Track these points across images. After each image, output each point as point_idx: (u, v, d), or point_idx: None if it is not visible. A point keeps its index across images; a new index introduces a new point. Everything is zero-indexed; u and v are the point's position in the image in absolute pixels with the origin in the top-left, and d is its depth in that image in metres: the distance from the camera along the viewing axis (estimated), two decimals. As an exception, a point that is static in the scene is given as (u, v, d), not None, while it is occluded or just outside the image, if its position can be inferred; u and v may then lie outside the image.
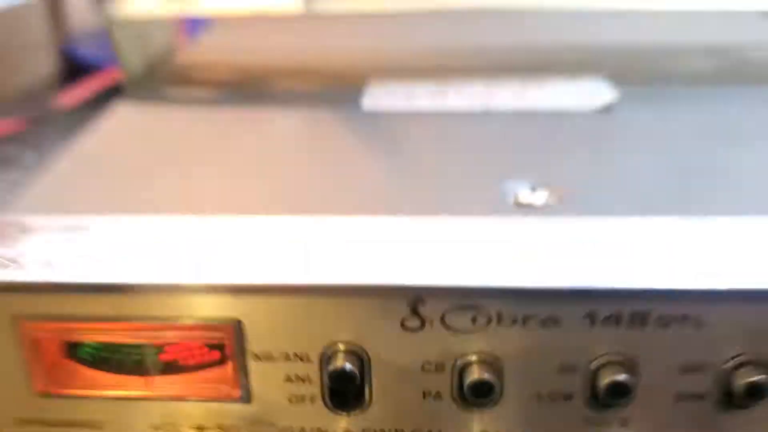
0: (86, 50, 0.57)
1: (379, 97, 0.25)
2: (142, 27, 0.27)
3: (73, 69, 0.56)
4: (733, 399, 0.16)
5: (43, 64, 0.65)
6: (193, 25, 0.32)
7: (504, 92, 0.25)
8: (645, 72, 0.27)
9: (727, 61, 0.29)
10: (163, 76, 0.28)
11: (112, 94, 0.47)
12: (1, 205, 0.38)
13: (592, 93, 0.24)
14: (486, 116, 0.23)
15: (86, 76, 0.54)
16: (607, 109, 0.24)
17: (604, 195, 0.18)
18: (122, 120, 0.24)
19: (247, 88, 0.27)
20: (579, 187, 0.19)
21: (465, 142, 0.22)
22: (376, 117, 0.24)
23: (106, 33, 0.60)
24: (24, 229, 0.18)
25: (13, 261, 0.16)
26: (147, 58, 0.27)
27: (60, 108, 0.46)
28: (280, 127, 0.23)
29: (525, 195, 0.18)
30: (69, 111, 0.47)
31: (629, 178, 0.19)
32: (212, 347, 0.16)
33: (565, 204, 0.18)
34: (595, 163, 0.20)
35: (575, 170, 0.20)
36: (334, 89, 0.26)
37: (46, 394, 0.17)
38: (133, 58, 0.26)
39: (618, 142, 0.22)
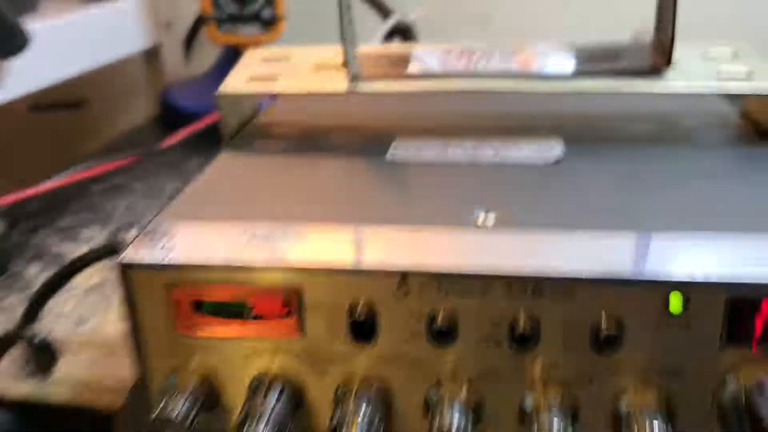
0: (178, 96, 0.69)
1: (399, 151, 0.35)
2: (236, 99, 0.38)
3: (168, 112, 0.69)
4: (600, 346, 0.26)
5: (143, 107, 0.78)
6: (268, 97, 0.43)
7: (487, 148, 0.35)
8: (592, 134, 0.37)
9: (660, 126, 0.38)
10: (248, 132, 0.39)
11: (201, 136, 0.59)
12: (122, 220, 0.50)
13: (548, 150, 0.35)
14: (471, 166, 0.34)
15: (178, 117, 0.66)
16: (556, 162, 0.34)
17: (534, 219, 0.28)
18: (224, 163, 0.35)
19: (306, 141, 0.38)
20: (520, 213, 0.29)
21: (452, 184, 0.32)
22: (394, 165, 0.34)
23: (195, 82, 0.72)
24: (171, 232, 0.29)
25: (167, 249, 0.27)
26: (238, 120, 0.39)
27: (160, 146, 0.58)
28: (328, 170, 0.34)
29: (481, 218, 0.28)
30: (167, 149, 0.59)
31: (555, 209, 0.29)
32: (284, 304, 0.27)
33: (506, 224, 0.28)
34: (536, 198, 0.30)
35: (521, 202, 0.30)
36: (368, 144, 0.37)
37: (184, 335, 0.28)
38: (230, 120, 0.38)
39: (558, 185, 0.32)
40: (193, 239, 0.28)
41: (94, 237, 0.48)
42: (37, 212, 0.51)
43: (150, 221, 0.29)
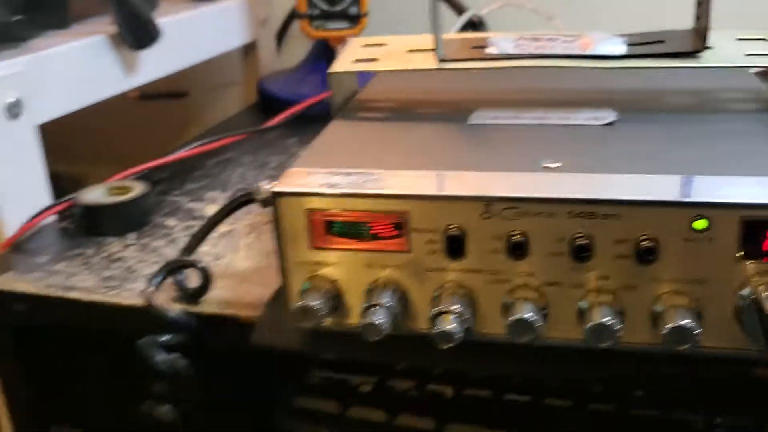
0: (275, 86, 0.78)
1: (479, 117, 0.43)
2: (343, 77, 0.47)
3: (266, 100, 0.78)
4: (642, 256, 0.33)
5: (238, 97, 0.87)
6: (366, 76, 0.52)
7: (553, 115, 0.43)
8: (640, 105, 0.44)
9: (699, 98, 0.45)
10: (352, 105, 0.48)
11: (296, 119, 0.68)
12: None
13: (603, 116, 0.42)
14: (539, 127, 0.41)
15: (275, 105, 0.75)
16: (609, 125, 0.41)
17: (590, 165, 0.36)
18: (336, 129, 0.44)
19: (400, 112, 0.46)
20: (578, 161, 0.36)
21: (523, 141, 0.40)
22: (475, 128, 0.42)
23: (289, 73, 0.81)
24: (307, 173, 0.37)
25: (305, 184, 0.36)
26: (344, 95, 0.47)
27: (264, 126, 0.67)
28: (420, 132, 0.42)
29: (548, 163, 0.36)
30: (268, 129, 0.68)
31: (608, 158, 0.37)
32: (395, 226, 0.35)
33: (568, 167, 0.36)
34: (592, 151, 0.38)
35: (580, 152, 0.37)
36: (452, 113, 0.45)
37: (317, 248, 0.36)
38: (338, 95, 0.46)
39: (610, 141, 0.39)
40: (322, 178, 0.36)
41: (216, 198, 0.57)
42: (167, 178, 0.60)
43: (288, 168, 0.38)
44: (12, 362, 0.48)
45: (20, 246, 0.50)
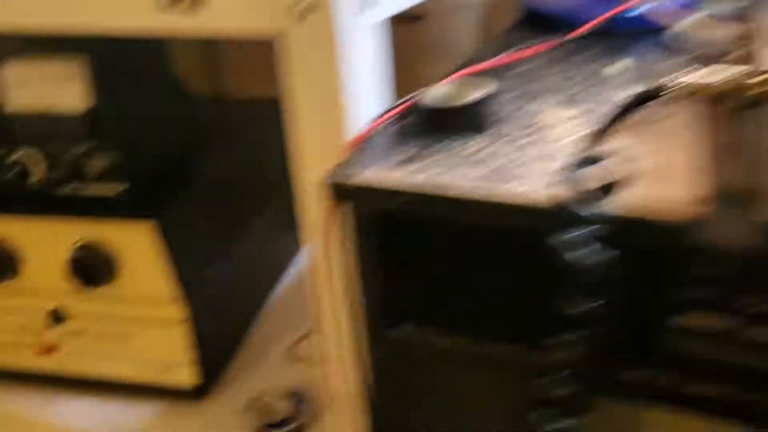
0: (543, 2, 0.75)
1: None
2: None
3: (533, 16, 0.75)
4: None
5: (482, 17, 0.84)
6: None
7: None
8: None
9: None
10: None
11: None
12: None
13: None
14: None
15: (544, 20, 0.71)
16: None
17: None
18: None
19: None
20: None
21: None
22: None
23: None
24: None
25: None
26: None
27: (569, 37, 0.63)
28: None
29: None
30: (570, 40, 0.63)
31: None
32: None
33: None
34: None
35: None
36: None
37: None
38: None
39: None
40: None
41: (541, 105, 0.53)
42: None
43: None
44: (375, 257, 0.46)
45: (370, 143, 0.48)
